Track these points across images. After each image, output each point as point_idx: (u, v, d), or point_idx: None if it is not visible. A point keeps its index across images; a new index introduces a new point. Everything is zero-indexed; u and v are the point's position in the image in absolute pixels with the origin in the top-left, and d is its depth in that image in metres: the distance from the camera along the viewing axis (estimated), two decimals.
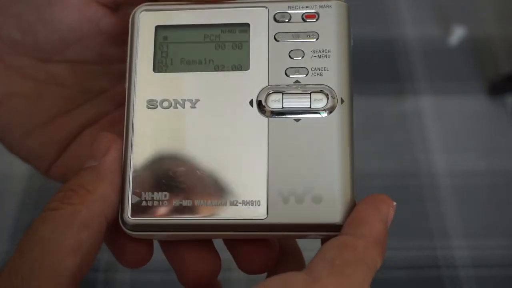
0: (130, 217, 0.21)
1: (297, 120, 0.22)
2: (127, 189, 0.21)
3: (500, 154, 0.52)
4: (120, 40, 0.26)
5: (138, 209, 0.21)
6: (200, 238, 0.23)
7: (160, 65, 0.23)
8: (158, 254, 0.43)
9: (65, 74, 0.27)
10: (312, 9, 0.23)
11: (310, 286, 0.16)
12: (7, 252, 0.45)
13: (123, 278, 0.44)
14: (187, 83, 0.22)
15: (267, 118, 0.22)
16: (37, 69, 0.26)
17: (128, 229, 0.21)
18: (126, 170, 0.22)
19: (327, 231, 0.21)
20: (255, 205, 0.21)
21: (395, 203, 0.21)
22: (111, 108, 0.28)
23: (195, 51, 0.23)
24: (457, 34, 0.59)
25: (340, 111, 0.22)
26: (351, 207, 0.21)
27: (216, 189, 0.21)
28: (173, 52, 0.23)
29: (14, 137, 0.27)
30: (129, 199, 0.21)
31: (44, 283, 0.17)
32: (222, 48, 0.23)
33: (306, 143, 0.21)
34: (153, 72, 0.22)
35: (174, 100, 0.22)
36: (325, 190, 0.21)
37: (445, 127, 0.54)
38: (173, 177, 0.21)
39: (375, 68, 0.57)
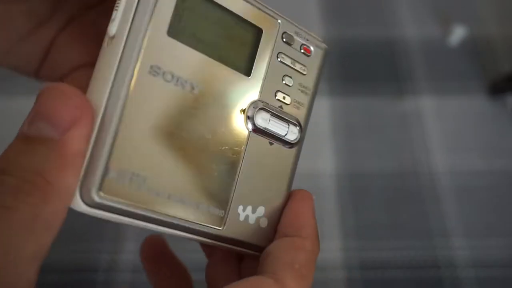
0: (98, 194, 0.17)
1: (271, 143, 0.22)
2: (101, 159, 0.17)
3: (500, 154, 0.52)
4: None
5: (109, 186, 0.17)
6: (154, 231, 0.21)
7: (175, 30, 0.19)
8: None
9: None
10: (310, 44, 0.23)
11: None
12: None
13: (123, 278, 0.44)
14: (193, 63, 0.20)
15: (249, 132, 0.21)
16: None
17: (86, 205, 0.17)
18: (105, 135, 0.17)
19: (257, 251, 0.22)
20: (217, 214, 0.20)
21: (314, 197, 0.23)
22: (81, 12, 0.27)
23: (207, 31, 0.20)
24: (457, 34, 0.59)
25: (298, 148, 0.23)
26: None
27: (190, 189, 0.19)
28: (189, 21, 0.19)
29: None
30: (101, 172, 0.17)
31: None
32: (231, 41, 0.21)
33: (270, 168, 0.22)
34: (166, 36, 0.19)
35: (177, 76, 0.19)
36: (270, 217, 0.22)
37: (445, 127, 0.54)
38: (155, 162, 0.18)
39: (375, 68, 0.57)
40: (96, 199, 0.17)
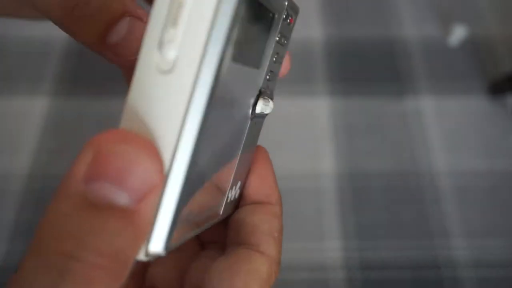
0: (164, 250, 0.15)
1: (255, 122, 0.22)
2: (169, 217, 0.15)
3: (500, 154, 0.52)
4: None
5: (172, 238, 0.15)
6: None
7: (237, 53, 0.15)
8: None
9: None
10: (293, 14, 0.21)
11: (271, 265, 0.19)
12: (7, 252, 0.45)
13: None
14: (242, 82, 0.17)
15: (250, 120, 0.20)
16: None
17: (146, 256, 0.15)
18: (174, 193, 0.15)
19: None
20: (219, 207, 0.21)
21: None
22: None
23: (250, 41, 0.17)
24: (458, 34, 0.59)
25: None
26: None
27: (213, 200, 0.19)
28: (243, 38, 0.16)
29: (13, 16, 0.24)
30: (168, 231, 0.15)
31: None
32: (256, 38, 0.18)
33: (252, 144, 0.22)
34: (231, 61, 0.15)
35: (233, 102, 0.17)
36: (242, 186, 0.22)
37: (445, 127, 0.54)
38: (202, 193, 0.17)
39: (375, 68, 0.57)
40: (162, 254, 0.15)
